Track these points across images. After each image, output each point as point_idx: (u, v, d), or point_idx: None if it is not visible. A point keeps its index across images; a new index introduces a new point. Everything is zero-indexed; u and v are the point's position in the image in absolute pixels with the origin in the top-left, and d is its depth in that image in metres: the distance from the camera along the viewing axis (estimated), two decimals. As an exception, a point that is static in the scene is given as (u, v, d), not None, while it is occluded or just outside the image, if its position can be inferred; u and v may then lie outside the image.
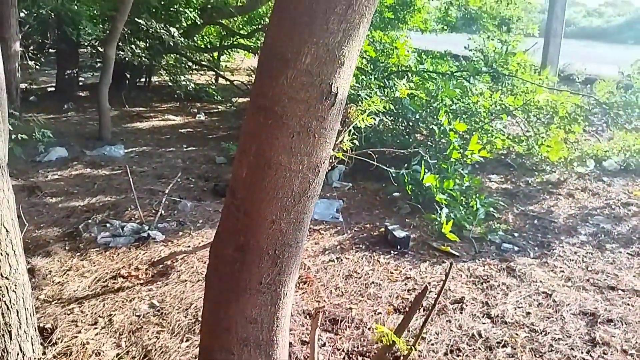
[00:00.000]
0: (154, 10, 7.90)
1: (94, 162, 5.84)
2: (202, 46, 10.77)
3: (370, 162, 4.15)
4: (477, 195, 4.81)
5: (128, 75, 8.84)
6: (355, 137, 4.10)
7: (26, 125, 6.35)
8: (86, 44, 8.88)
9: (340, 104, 1.48)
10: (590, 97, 6.29)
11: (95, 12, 8.16)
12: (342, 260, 3.73)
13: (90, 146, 6.37)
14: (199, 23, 8.45)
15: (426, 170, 4.75)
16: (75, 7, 7.67)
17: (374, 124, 5.51)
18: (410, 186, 4.84)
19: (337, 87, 1.42)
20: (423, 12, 11.07)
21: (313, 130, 1.45)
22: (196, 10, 8.84)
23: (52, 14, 8.55)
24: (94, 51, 8.84)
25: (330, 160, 4.24)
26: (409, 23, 11.14)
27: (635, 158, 6.27)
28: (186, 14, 8.17)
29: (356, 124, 4.00)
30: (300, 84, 1.38)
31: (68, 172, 5.53)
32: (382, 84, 6.96)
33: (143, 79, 10.37)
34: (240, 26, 10.61)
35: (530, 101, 5.95)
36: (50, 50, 9.62)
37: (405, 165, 4.92)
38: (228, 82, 9.76)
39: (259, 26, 9.78)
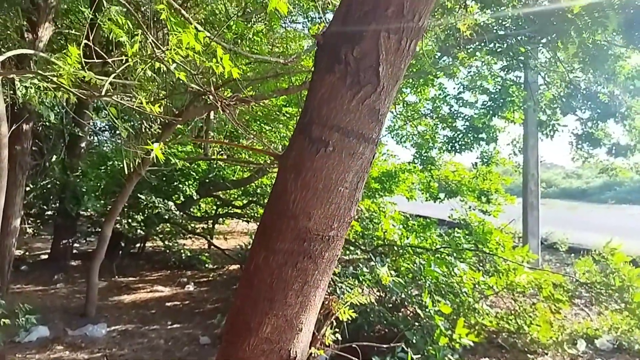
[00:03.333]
0: (154, 184, 8.44)
1: (74, 343, 5.68)
2: (198, 215, 11.27)
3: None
4: (468, 386, 4.63)
5: (122, 244, 9.05)
6: (337, 331, 4.10)
7: (12, 300, 6.33)
8: (85, 215, 9.30)
9: (300, 363, 1.58)
10: (570, 277, 6.43)
11: (100, 185, 8.70)
12: None
13: (74, 324, 6.26)
14: (195, 198, 9.00)
15: (413, 359, 4.64)
16: (82, 183, 8.22)
17: (360, 305, 5.53)
18: (398, 378, 4.68)
19: (296, 352, 1.54)
20: (407, 182, 11.84)
21: (273, 393, 1.52)
22: (194, 184, 9.47)
23: (57, 183, 9.13)
24: (91, 223, 9.21)
25: (313, 356, 4.18)
26: (394, 192, 11.83)
27: (626, 336, 6.18)
28: (185, 189, 8.74)
29: (337, 316, 4.03)
30: (260, 350, 1.50)
31: (47, 355, 5.36)
32: (368, 257, 7.20)
33: (137, 245, 10.59)
34: (235, 197, 11.25)
35: (513, 282, 6.07)
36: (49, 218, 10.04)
37: (390, 354, 4.82)
38: (220, 250, 9.98)
39: (253, 198, 10.36)
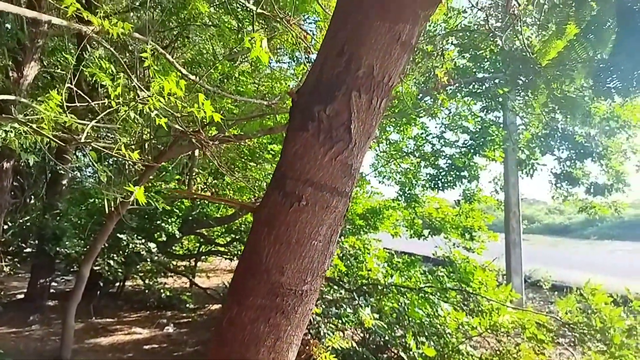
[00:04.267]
0: (136, 224, 8.33)
1: (45, 390, 5.47)
2: (180, 253, 11.11)
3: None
4: None
5: (101, 284, 8.83)
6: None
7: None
8: (64, 252, 9.10)
9: None
10: (553, 316, 6.44)
11: (80, 224, 8.56)
12: None
13: (46, 369, 6.04)
14: (178, 236, 8.89)
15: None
16: (62, 221, 8.08)
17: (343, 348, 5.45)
18: None
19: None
20: (392, 219, 11.88)
21: None
22: (177, 221, 9.37)
23: (36, 221, 8.95)
24: (70, 261, 8.99)
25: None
26: (379, 229, 11.85)
27: (613, 379, 6.14)
28: (167, 228, 8.64)
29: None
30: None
31: (14, 404, 5.13)
32: (352, 297, 7.14)
33: (117, 284, 10.34)
34: (218, 235, 11.15)
35: (496, 323, 6.05)
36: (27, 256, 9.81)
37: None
38: (202, 289, 9.80)
39: (237, 236, 10.28)
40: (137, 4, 7.85)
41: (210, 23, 8.32)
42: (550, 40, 2.97)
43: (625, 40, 2.72)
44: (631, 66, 2.76)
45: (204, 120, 4.05)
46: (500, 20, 6.28)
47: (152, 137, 5.18)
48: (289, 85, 9.31)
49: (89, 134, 2.95)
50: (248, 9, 5.94)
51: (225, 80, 8.49)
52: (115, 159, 8.53)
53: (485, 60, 8.29)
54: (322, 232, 1.55)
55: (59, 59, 9.07)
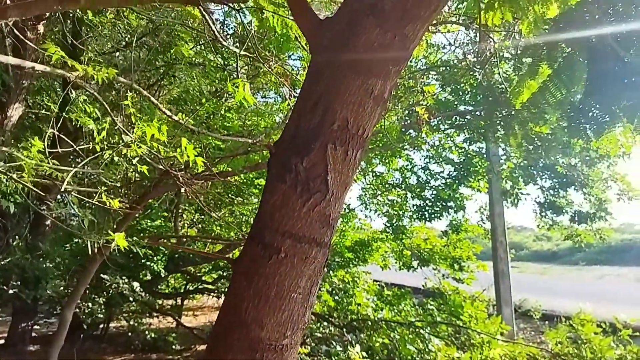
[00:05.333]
0: (120, 263, 8.19)
1: None
2: (166, 292, 10.89)
3: None
4: None
5: (84, 326, 8.58)
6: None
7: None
8: (48, 294, 8.86)
9: None
10: (543, 349, 6.40)
11: (61, 266, 8.38)
12: None
13: (24, 420, 5.78)
14: (163, 275, 8.74)
15: None
16: (43, 265, 7.90)
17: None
18: None
19: None
20: (381, 251, 11.83)
21: None
22: (163, 260, 9.22)
23: (19, 263, 8.74)
24: (54, 303, 8.76)
25: None
26: (368, 261, 11.77)
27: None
28: (152, 267, 8.49)
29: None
30: None
31: None
32: (342, 333, 7.05)
33: (100, 326, 10.06)
34: (205, 272, 10.98)
35: (487, 357, 6.00)
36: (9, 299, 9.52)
37: None
38: (188, 330, 9.57)
39: (224, 273, 10.14)
40: (123, 45, 7.95)
41: (195, 62, 8.43)
42: (523, 81, 3.06)
43: (597, 80, 2.82)
44: (603, 105, 2.84)
45: (188, 160, 4.06)
46: (478, 56, 6.48)
47: (137, 176, 5.16)
48: (274, 120, 9.39)
49: (71, 180, 2.93)
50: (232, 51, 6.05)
51: (212, 116, 8.54)
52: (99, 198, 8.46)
53: (466, 93, 8.50)
54: (301, 284, 1.55)
55: (44, 99, 9.06)
